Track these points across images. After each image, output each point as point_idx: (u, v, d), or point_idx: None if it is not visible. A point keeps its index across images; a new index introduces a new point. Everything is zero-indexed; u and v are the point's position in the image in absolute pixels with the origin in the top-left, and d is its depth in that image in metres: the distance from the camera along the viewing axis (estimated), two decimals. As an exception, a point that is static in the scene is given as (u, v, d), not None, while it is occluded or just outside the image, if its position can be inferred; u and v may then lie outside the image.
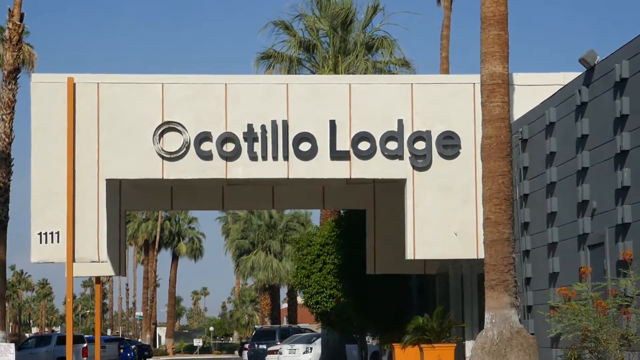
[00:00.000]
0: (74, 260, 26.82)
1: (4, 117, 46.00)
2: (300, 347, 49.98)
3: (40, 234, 26.87)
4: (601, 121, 18.81)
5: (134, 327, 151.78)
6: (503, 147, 21.50)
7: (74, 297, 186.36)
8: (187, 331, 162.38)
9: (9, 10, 46.53)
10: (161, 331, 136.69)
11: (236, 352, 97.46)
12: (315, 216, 67.31)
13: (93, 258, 27.26)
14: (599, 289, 16.55)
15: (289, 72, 48.34)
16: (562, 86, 22.49)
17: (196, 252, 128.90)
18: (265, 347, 58.35)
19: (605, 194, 18.55)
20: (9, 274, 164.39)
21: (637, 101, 17.26)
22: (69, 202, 26.43)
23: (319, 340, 47.20)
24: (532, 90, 24.94)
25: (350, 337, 43.86)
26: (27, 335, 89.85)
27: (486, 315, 21.26)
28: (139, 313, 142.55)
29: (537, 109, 23.10)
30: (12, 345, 42.30)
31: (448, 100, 27.31)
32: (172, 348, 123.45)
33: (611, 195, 18.22)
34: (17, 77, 46.91)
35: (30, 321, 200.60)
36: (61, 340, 47.28)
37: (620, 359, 15.16)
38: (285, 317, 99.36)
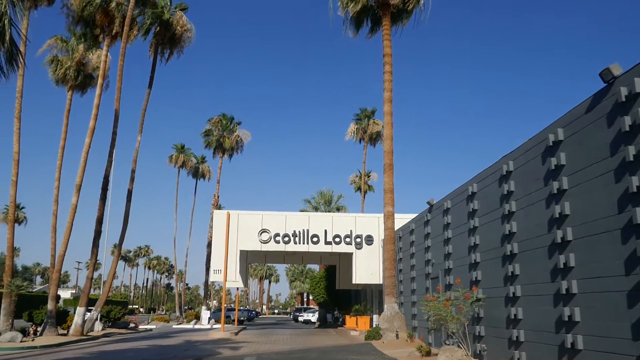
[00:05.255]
0: (226, 280, 23.98)
1: (210, 230, 41.90)
2: (311, 313, 45.90)
3: (214, 270, 24.12)
4: (437, 228, 15.26)
5: (254, 305, 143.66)
6: (392, 239, 19.09)
7: (235, 294, 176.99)
8: (273, 307, 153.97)
9: (214, 195, 43.54)
10: (264, 308, 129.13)
11: (289, 315, 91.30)
12: (316, 267, 63.34)
13: (234, 279, 24.32)
14: (443, 297, 12.61)
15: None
16: (410, 219, 19.08)
17: (277, 280, 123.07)
18: (298, 313, 53.60)
19: (439, 256, 14.84)
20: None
21: (455, 219, 13.67)
22: (225, 258, 23.71)
23: (318, 311, 42.50)
24: (402, 219, 21.37)
25: (329, 311, 39.82)
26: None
27: (385, 306, 18.55)
28: (268, 302, 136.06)
29: (406, 224, 19.60)
30: (208, 311, 39.66)
31: (369, 223, 24.76)
32: (268, 312, 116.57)
33: (442, 256, 14.53)
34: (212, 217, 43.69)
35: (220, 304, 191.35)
36: (228, 310, 42.24)
37: (455, 329, 11.44)
38: (305, 303, 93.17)
